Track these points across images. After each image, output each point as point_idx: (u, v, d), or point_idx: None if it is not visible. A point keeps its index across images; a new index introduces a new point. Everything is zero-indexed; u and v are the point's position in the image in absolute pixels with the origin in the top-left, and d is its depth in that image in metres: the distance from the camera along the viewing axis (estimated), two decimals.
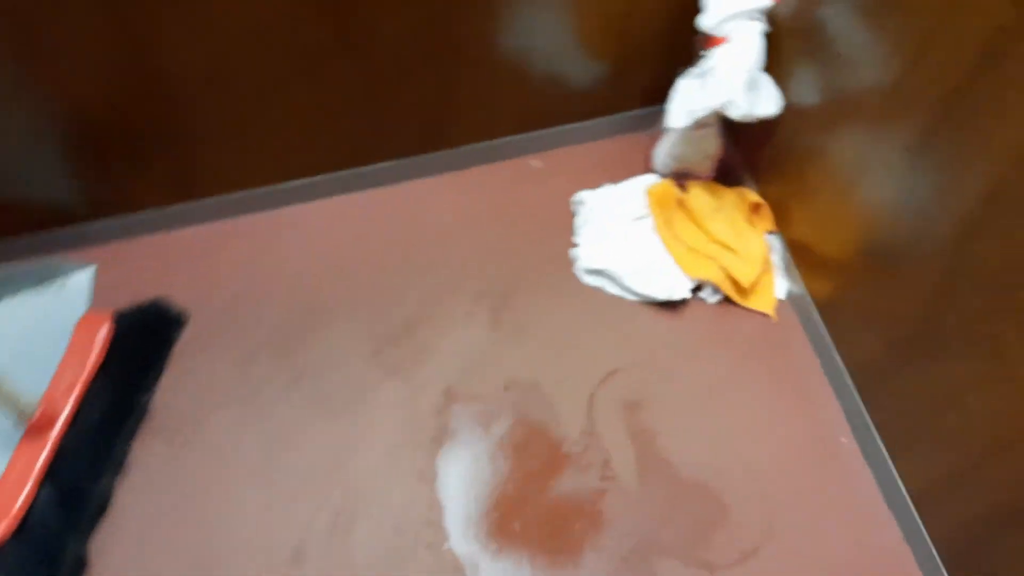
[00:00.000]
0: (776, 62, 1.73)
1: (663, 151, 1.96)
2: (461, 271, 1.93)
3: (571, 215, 2.01)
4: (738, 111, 1.66)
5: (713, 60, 1.68)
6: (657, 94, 2.04)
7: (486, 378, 1.79)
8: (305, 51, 1.62)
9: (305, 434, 1.70)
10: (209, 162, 1.83)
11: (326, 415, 1.73)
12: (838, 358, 1.77)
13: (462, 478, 1.67)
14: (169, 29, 1.48)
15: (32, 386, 1.59)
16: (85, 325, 1.66)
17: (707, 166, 1.97)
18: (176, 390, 1.74)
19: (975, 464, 1.42)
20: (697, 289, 1.90)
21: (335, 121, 1.81)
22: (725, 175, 2.03)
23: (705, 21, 1.68)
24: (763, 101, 1.69)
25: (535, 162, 2.09)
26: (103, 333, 1.64)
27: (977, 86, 1.24)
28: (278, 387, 1.76)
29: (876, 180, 1.55)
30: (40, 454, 1.49)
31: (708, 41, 1.72)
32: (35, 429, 1.50)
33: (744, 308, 1.89)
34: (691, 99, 1.73)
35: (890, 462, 1.65)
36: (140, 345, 1.72)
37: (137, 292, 1.82)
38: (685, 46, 1.88)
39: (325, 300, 1.87)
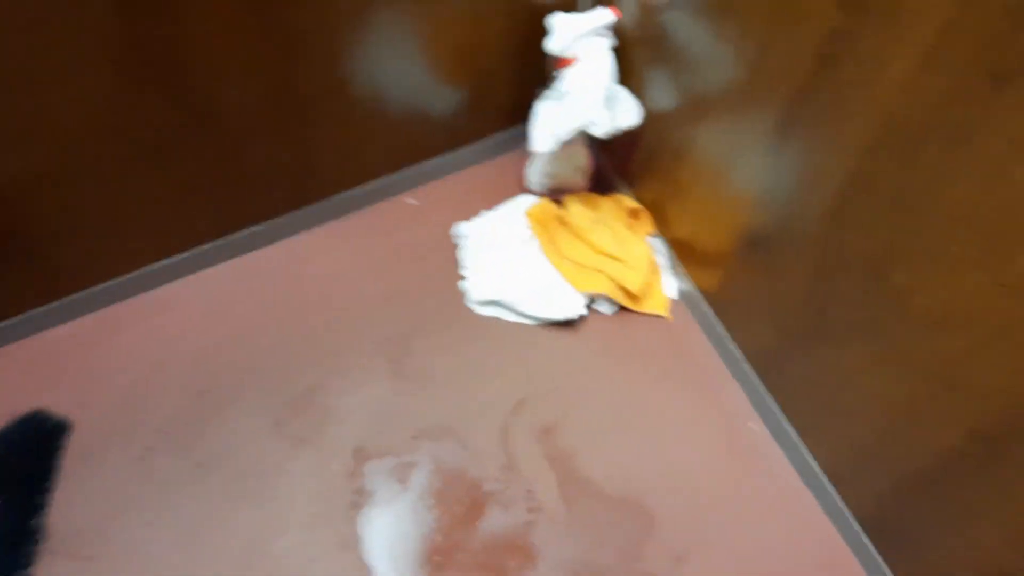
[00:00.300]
0: (630, 73, 1.76)
1: (535, 171, 1.96)
2: (353, 325, 1.88)
3: (456, 249, 1.99)
4: (601, 129, 1.68)
5: (568, 81, 1.69)
6: (518, 114, 2.06)
7: (395, 430, 1.75)
8: (148, 133, 1.54)
9: (219, 523, 1.63)
10: (69, 258, 1.73)
11: (237, 499, 1.66)
12: (735, 349, 1.81)
13: (387, 538, 1.63)
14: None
15: None
16: None
17: (581, 179, 1.99)
18: (73, 503, 1.64)
19: (877, 438, 1.47)
20: (592, 303, 1.91)
21: (194, 194, 1.74)
22: (600, 184, 2.05)
23: (553, 44, 1.69)
24: (623, 114, 1.71)
25: (411, 200, 2.06)
26: None
27: (820, 84, 1.27)
28: (182, 479, 1.68)
29: (743, 175, 1.59)
30: None
31: (559, 62, 1.73)
32: None
33: (640, 314, 1.91)
34: (553, 122, 1.74)
35: (800, 443, 1.70)
36: (22, 464, 1.62)
37: (13, 405, 1.71)
38: (538, 65, 1.89)
39: (218, 379, 1.80)
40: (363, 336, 1.87)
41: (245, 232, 1.91)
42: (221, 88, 1.55)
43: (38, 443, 1.67)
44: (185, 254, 1.87)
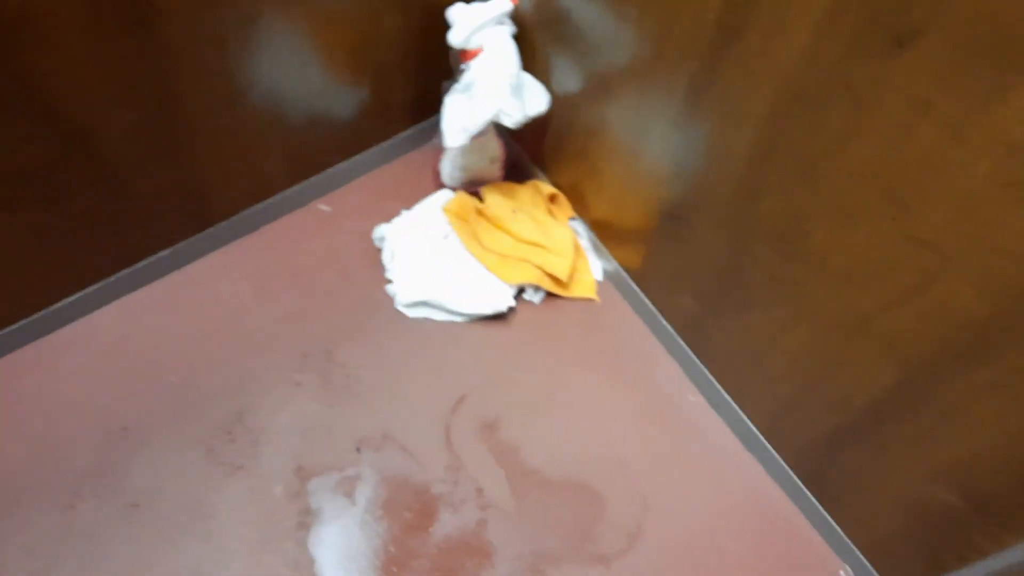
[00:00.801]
0: (533, 59, 1.75)
1: (449, 165, 1.93)
2: (275, 342, 1.82)
3: (377, 252, 1.95)
4: (511, 119, 1.66)
5: (472, 72, 1.67)
6: (425, 109, 2.03)
7: (334, 444, 1.71)
8: (25, 172, 1.44)
9: (159, 566, 1.56)
10: None
11: (177, 536, 1.59)
12: (665, 323, 1.83)
13: (340, 555, 1.59)
14: None
15: None
16: None
17: (496, 170, 1.97)
18: (4, 558, 1.54)
19: (804, 393, 1.52)
20: (520, 292, 1.90)
21: (82, 230, 1.62)
22: (515, 173, 2.04)
23: (454, 38, 1.66)
24: (532, 101, 1.70)
25: (323, 207, 2.00)
26: None
27: (722, 55, 1.28)
28: (114, 523, 1.59)
29: (655, 151, 1.60)
30: None
31: (464, 55, 1.70)
32: None
33: (569, 298, 1.91)
34: (463, 116, 1.71)
35: (737, 408, 1.74)
36: None
37: None
38: (441, 58, 1.86)
39: (138, 413, 1.71)
40: (286, 352, 1.81)
41: (148, 261, 1.81)
42: (94, 116, 1.45)
43: None
44: (83, 292, 1.76)
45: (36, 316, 1.73)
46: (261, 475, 1.66)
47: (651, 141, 1.59)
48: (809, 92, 1.18)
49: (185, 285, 1.87)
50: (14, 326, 1.71)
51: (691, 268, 1.67)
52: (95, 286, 1.77)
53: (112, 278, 1.78)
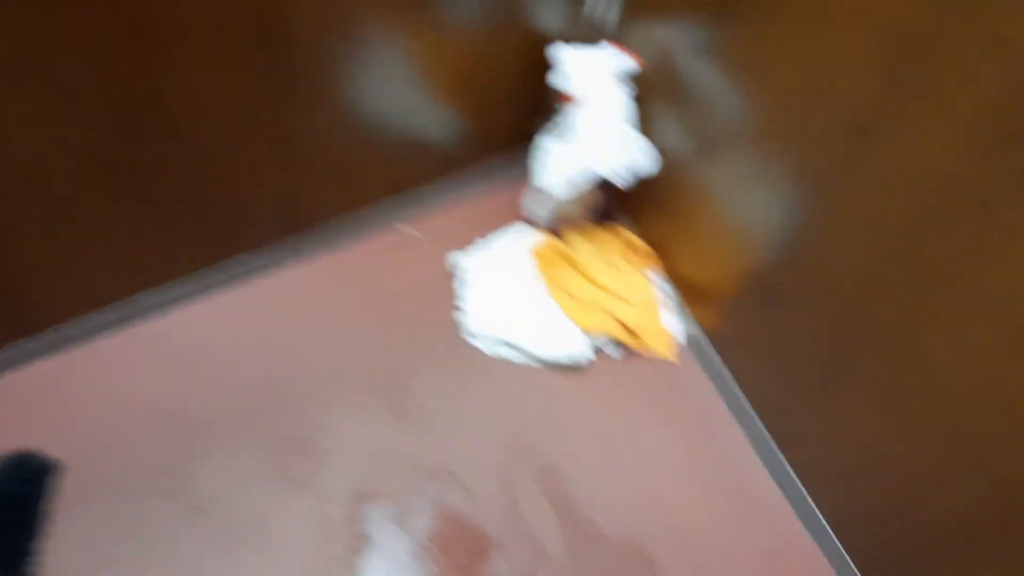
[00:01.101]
0: (643, 117, 1.73)
1: (537, 203, 1.92)
2: (350, 361, 1.84)
3: (453, 279, 1.95)
4: (621, 180, 1.65)
5: (582, 123, 1.65)
6: (516, 139, 2.02)
7: (396, 473, 1.72)
8: (139, 167, 1.48)
9: (214, 571, 1.58)
10: (53, 289, 1.66)
11: (232, 546, 1.61)
12: (739, 393, 1.80)
13: None
14: None
15: None
16: None
17: (585, 214, 1.96)
18: (64, 547, 1.57)
19: (879, 497, 1.48)
20: (598, 345, 1.88)
21: (180, 227, 1.68)
22: (600, 216, 2.02)
23: (559, 79, 1.65)
24: (640, 161, 1.68)
25: (406, 228, 2.01)
26: None
27: (853, 152, 1.26)
28: (175, 524, 1.62)
29: (757, 220, 1.57)
30: None
31: (563, 96, 1.68)
32: None
33: (644, 356, 1.89)
34: (567, 167, 1.70)
35: (805, 492, 1.70)
36: (11, 508, 1.55)
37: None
38: (537, 92, 1.86)
39: (209, 418, 1.74)
40: (359, 373, 1.83)
41: (235, 260, 1.84)
42: (212, 128, 1.50)
43: (27, 485, 1.60)
44: (173, 287, 1.80)
45: (126, 305, 1.77)
46: (321, 494, 1.68)
47: (755, 211, 1.56)
48: (941, 200, 1.15)
49: (269, 292, 1.90)
50: (106, 312, 1.77)
51: (776, 343, 1.64)
52: (186, 283, 1.81)
53: (202, 276, 1.82)
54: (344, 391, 1.80)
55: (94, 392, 1.75)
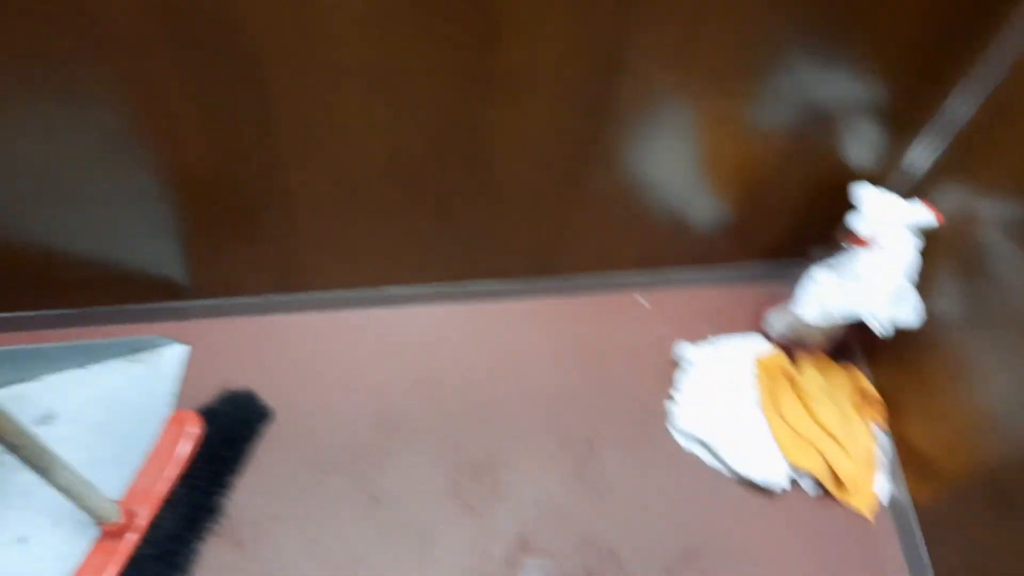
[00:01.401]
0: (923, 272, 1.65)
1: (780, 319, 1.88)
2: (551, 408, 1.87)
3: (672, 363, 1.94)
4: (880, 328, 1.58)
5: (859, 265, 1.60)
6: (779, 251, 1.98)
7: (562, 533, 1.73)
8: (439, 190, 1.58)
9: (372, 566, 1.65)
10: (313, 260, 1.80)
11: (395, 543, 1.68)
12: None
13: None
14: (289, 145, 1.46)
15: (110, 465, 1.57)
16: (175, 425, 1.63)
17: (824, 343, 1.89)
18: (252, 493, 1.70)
19: None
20: (796, 476, 1.81)
21: (452, 244, 1.78)
22: (837, 351, 1.95)
23: (857, 222, 1.60)
24: (904, 312, 1.61)
25: (641, 300, 2.02)
26: (192, 438, 1.61)
27: None
28: (353, 508, 1.71)
29: (1005, 407, 1.46)
30: (112, 562, 1.46)
31: (852, 238, 1.64)
32: (112, 533, 1.48)
33: (840, 503, 1.80)
34: (830, 299, 1.65)
35: None
36: (225, 441, 1.69)
37: (224, 376, 1.80)
38: (820, 216, 1.81)
39: (410, 417, 1.83)
40: (556, 422, 1.85)
41: (477, 283, 1.92)
42: (511, 167, 1.58)
43: (242, 424, 1.74)
44: (415, 287, 1.91)
45: (371, 290, 1.89)
46: (489, 528, 1.71)
47: (1011, 404, 1.45)
48: None
49: (496, 318, 1.97)
50: (352, 290, 1.90)
51: (993, 550, 1.52)
52: (429, 287, 1.91)
53: (443, 285, 1.90)
54: (536, 435, 1.83)
55: (320, 358, 1.88)
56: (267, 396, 1.80)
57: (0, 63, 1.22)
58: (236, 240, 1.70)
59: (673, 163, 1.72)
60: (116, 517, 1.46)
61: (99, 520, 1.46)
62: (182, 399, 1.77)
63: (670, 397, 1.89)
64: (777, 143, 1.69)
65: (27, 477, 1.63)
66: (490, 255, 1.84)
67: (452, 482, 1.76)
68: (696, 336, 1.96)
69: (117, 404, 1.75)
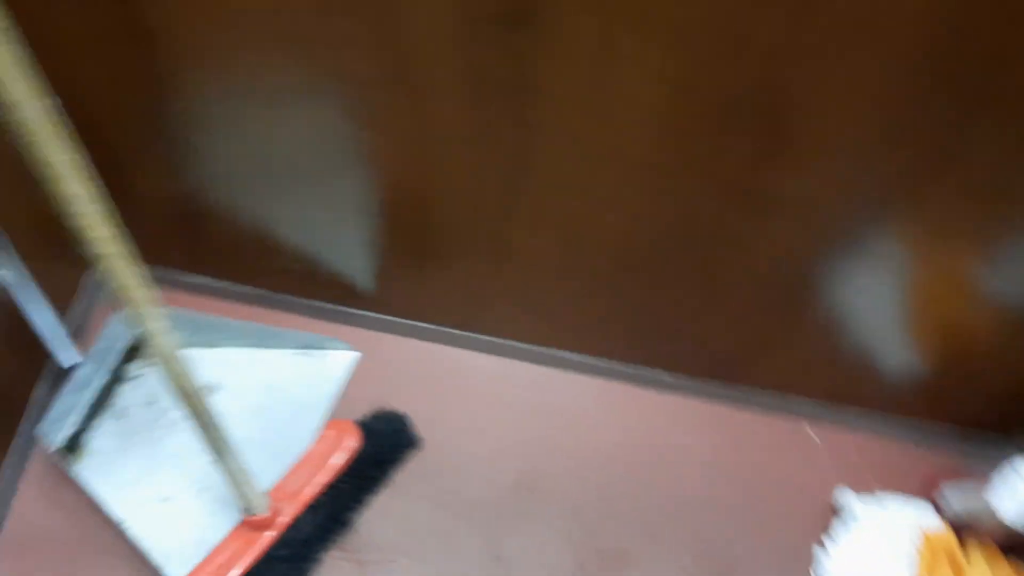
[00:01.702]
0: None
1: (962, 501, 1.74)
2: (694, 517, 1.79)
3: (830, 507, 1.83)
4: None
5: None
6: (976, 422, 1.85)
7: None
8: (660, 278, 1.55)
9: None
10: (503, 309, 1.79)
11: None
12: None
13: None
14: (529, 207, 1.45)
15: (259, 449, 1.60)
16: (334, 432, 1.64)
17: (999, 534, 1.75)
18: (383, 517, 1.70)
19: None
20: None
21: (646, 327, 1.74)
22: (1009, 549, 1.79)
23: None
24: None
25: (812, 434, 1.92)
26: (348, 451, 1.62)
27: None
28: (475, 561, 1.69)
29: None
30: (248, 553, 1.48)
31: None
32: (253, 524, 1.50)
33: None
34: None
35: None
36: (373, 460, 1.70)
37: (383, 392, 1.81)
38: None
39: (549, 484, 1.79)
40: (696, 534, 1.77)
41: (648, 370, 1.88)
42: (741, 277, 1.53)
43: (393, 447, 1.75)
44: (592, 358, 1.88)
45: (540, 348, 1.88)
46: None
47: None
48: None
49: (659, 408, 1.91)
50: (532, 344, 1.89)
51: None
52: (599, 360, 1.88)
53: (625, 365, 1.88)
54: (672, 541, 1.76)
55: (477, 401, 1.87)
56: (419, 424, 1.80)
57: (295, 78, 1.26)
58: (434, 269, 1.72)
59: (885, 305, 1.62)
60: (264, 511, 1.48)
61: (246, 509, 1.48)
62: (340, 404, 1.79)
63: (821, 544, 1.78)
64: (1007, 313, 1.58)
65: (183, 440, 1.69)
66: (677, 347, 1.78)
67: (577, 562, 1.72)
68: (861, 486, 1.84)
69: (280, 392, 1.79)
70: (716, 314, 1.65)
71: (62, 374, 1.72)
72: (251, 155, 1.50)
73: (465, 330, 1.87)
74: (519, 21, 1.10)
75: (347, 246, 1.72)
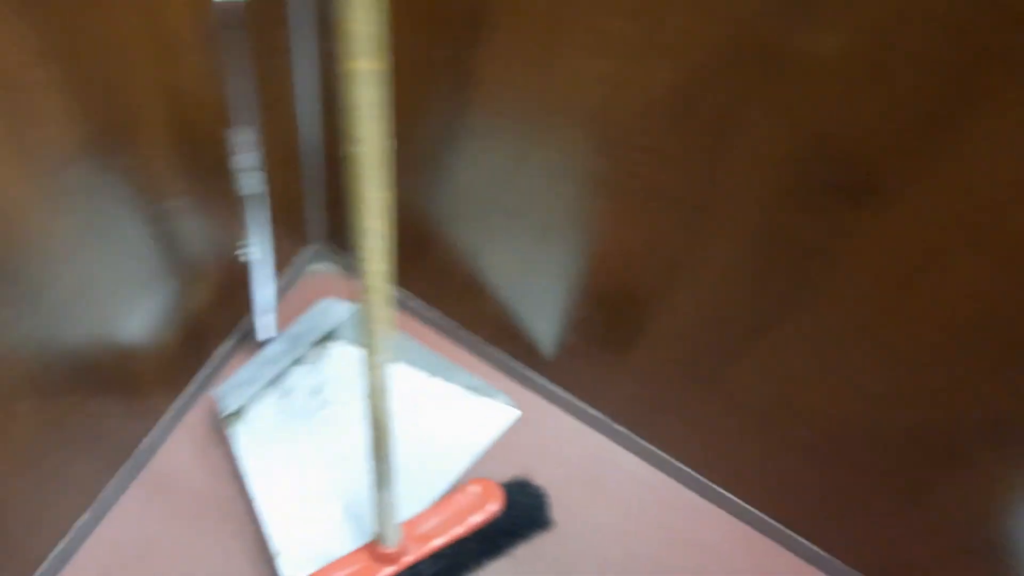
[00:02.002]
0: None
1: None
2: None
3: None
4: None
5: None
6: None
7: None
8: (872, 465, 1.42)
9: None
10: (679, 428, 1.70)
11: None
12: None
13: None
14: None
15: (403, 475, 1.57)
16: (480, 491, 1.60)
17: None
18: None
19: None
20: None
21: (833, 503, 1.60)
22: None
23: None
24: None
25: None
26: (488, 515, 1.57)
27: None
28: None
29: None
30: None
31: None
32: (377, 554, 1.47)
33: None
34: None
35: None
36: (504, 529, 1.64)
37: (532, 461, 1.76)
38: None
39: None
40: None
41: (786, 529, 1.74)
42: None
43: (526, 523, 1.69)
44: (738, 501, 1.77)
45: (704, 482, 1.78)
46: None
47: None
48: None
49: (784, 568, 1.76)
50: (689, 469, 1.79)
51: None
52: (752, 507, 1.77)
53: (765, 514, 1.76)
54: None
55: (620, 504, 1.80)
56: (556, 504, 1.74)
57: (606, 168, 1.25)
58: (621, 361, 1.66)
59: None
60: (394, 545, 1.45)
61: (379, 537, 1.45)
62: (486, 457, 1.75)
63: None
64: None
65: (337, 438, 1.69)
66: (828, 520, 1.64)
67: None
68: None
69: (435, 425, 1.77)
70: (914, 523, 1.50)
71: (248, 340, 1.76)
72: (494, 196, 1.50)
73: (631, 429, 1.80)
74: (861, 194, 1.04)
75: (546, 307, 1.69)
